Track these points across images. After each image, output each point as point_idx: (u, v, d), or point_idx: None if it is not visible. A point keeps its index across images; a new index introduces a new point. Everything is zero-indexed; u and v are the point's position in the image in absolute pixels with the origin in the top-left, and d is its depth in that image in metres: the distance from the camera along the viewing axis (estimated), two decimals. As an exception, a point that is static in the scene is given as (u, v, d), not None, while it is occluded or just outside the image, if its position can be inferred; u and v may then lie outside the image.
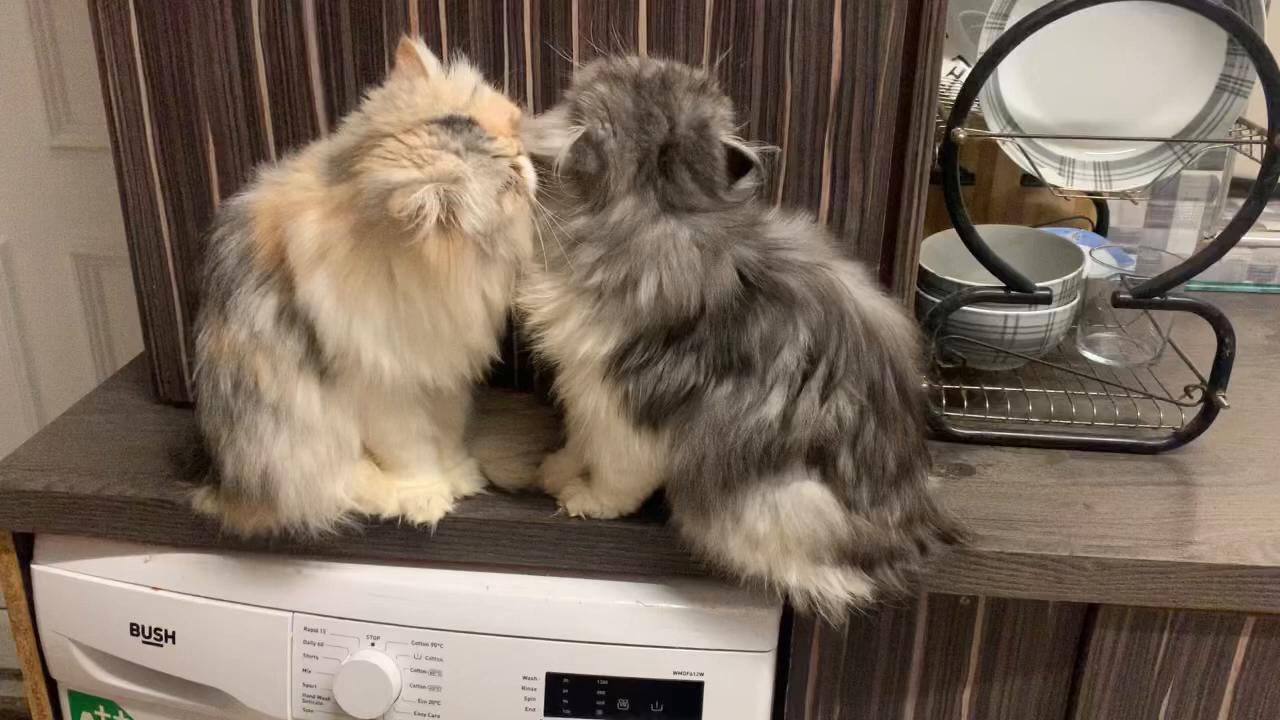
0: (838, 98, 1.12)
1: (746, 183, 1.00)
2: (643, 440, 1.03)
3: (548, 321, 1.00)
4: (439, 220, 0.91)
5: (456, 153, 0.93)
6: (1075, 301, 1.32)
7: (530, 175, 0.97)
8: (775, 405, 0.99)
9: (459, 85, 1.00)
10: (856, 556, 1.03)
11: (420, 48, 1.00)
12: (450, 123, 0.94)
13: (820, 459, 1.02)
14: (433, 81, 0.99)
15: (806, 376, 1.00)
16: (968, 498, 1.19)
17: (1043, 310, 1.27)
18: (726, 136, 0.99)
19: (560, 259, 0.97)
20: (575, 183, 0.97)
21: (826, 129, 1.14)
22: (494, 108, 0.99)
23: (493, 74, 1.15)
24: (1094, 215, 1.70)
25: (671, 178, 0.96)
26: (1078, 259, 1.34)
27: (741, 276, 0.98)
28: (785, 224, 1.05)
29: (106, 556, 1.19)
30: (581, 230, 0.97)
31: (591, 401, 1.02)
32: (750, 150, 0.99)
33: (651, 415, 1.01)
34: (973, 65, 1.12)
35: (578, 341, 0.98)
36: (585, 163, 0.95)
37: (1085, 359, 1.43)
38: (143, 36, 1.18)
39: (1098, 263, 1.44)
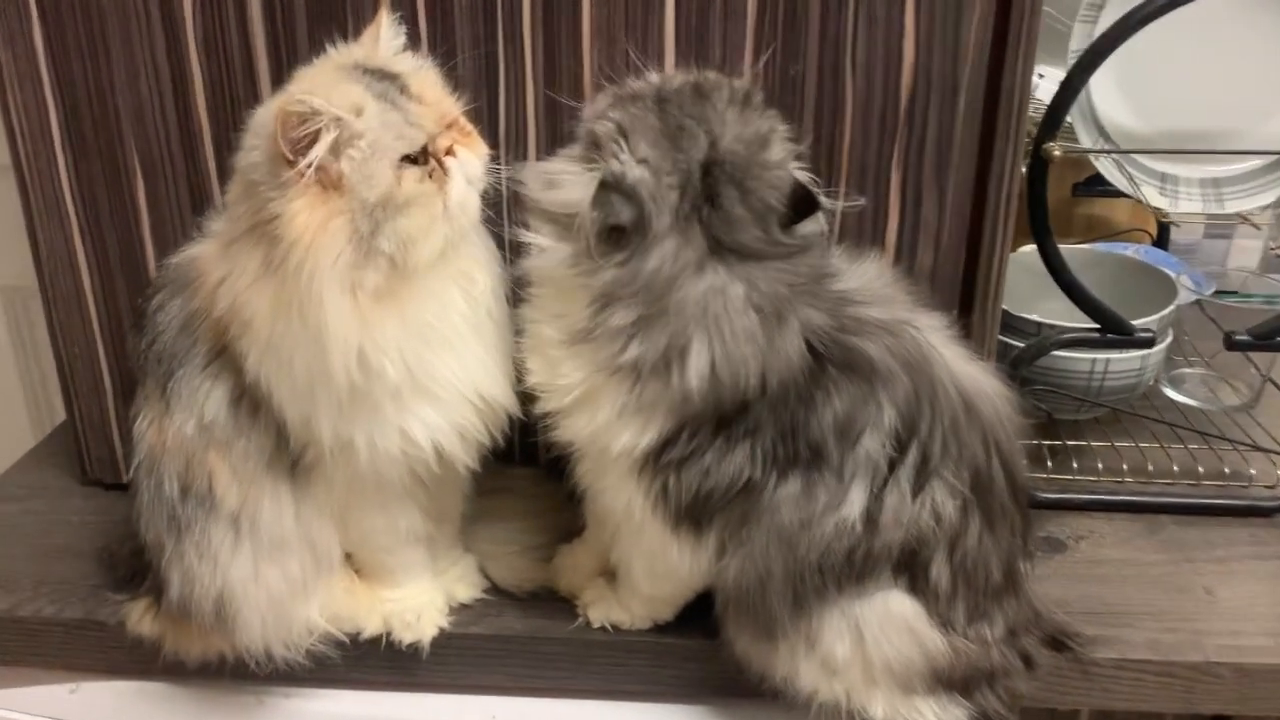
0: (909, 109, 0.92)
1: (808, 227, 0.79)
2: (683, 544, 0.84)
3: (570, 408, 0.79)
4: (320, 169, 0.75)
5: (369, 89, 0.77)
6: (1169, 340, 1.14)
7: (459, 183, 0.79)
8: (856, 503, 0.79)
9: (406, 58, 0.82)
10: (954, 681, 0.84)
11: (388, 22, 0.82)
12: (374, 71, 0.79)
13: (909, 565, 0.82)
14: (380, 47, 0.81)
15: (894, 465, 0.80)
16: (1064, 583, 1.00)
17: (1136, 352, 1.08)
18: (793, 165, 0.78)
19: (586, 329, 0.76)
20: (613, 242, 0.75)
21: (895, 146, 0.94)
22: (434, 94, 0.81)
23: (483, 87, 0.94)
24: (1153, 228, 1.52)
25: (718, 204, 0.75)
26: (1169, 289, 1.16)
27: (808, 345, 0.77)
28: (854, 270, 0.85)
29: (23, 686, 1.01)
30: (610, 285, 0.75)
31: (622, 498, 0.82)
32: (818, 192, 0.78)
33: (695, 515, 0.82)
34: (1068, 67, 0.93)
35: (611, 434, 0.78)
36: (617, 214, 0.74)
37: (1167, 399, 1.24)
38: (49, 45, 0.96)
39: (1181, 288, 1.25)
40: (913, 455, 0.80)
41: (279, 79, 0.95)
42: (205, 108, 0.97)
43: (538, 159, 0.94)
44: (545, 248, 0.78)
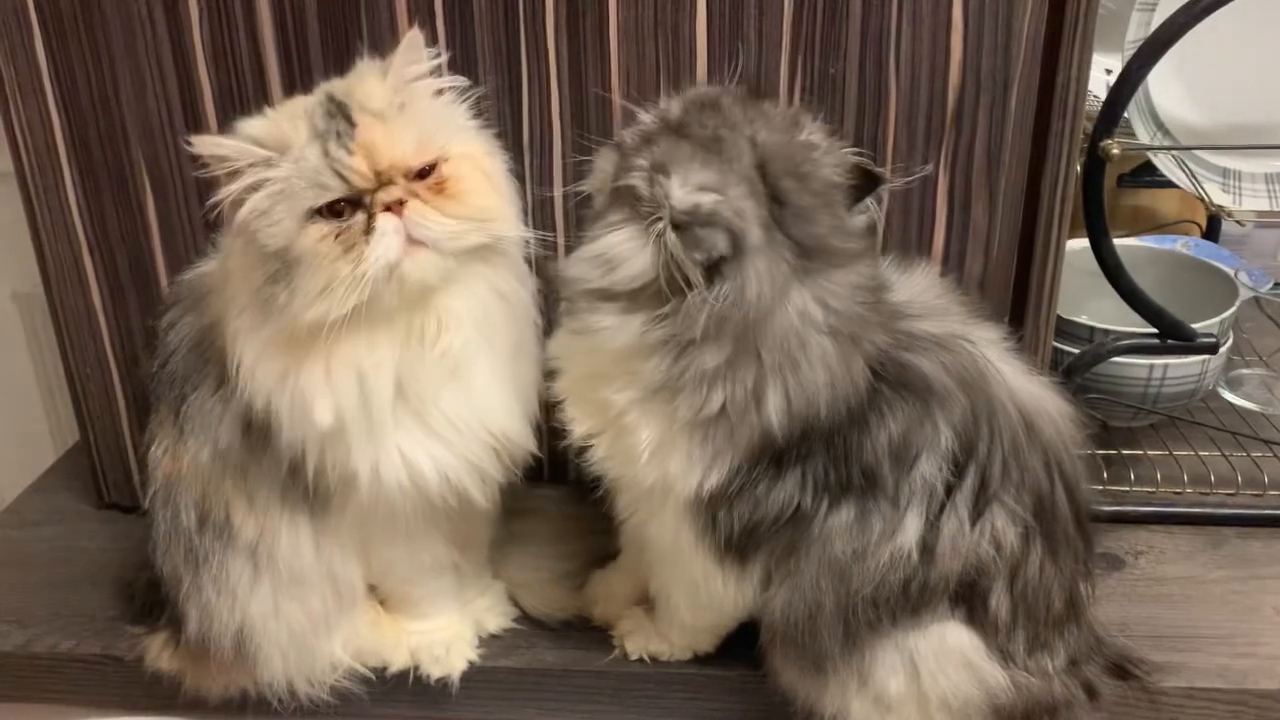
0: (957, 108, 0.87)
1: (868, 205, 0.74)
2: (728, 574, 0.79)
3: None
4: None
5: (312, 128, 0.72)
6: (1230, 343, 1.08)
7: (383, 247, 0.71)
8: (912, 531, 0.75)
9: (415, 88, 0.75)
10: (1014, 717, 0.79)
11: (409, 42, 0.74)
12: (337, 105, 0.73)
13: (967, 596, 0.78)
14: (394, 66, 0.74)
15: (951, 490, 0.75)
16: (1124, 604, 0.95)
17: (1196, 357, 1.02)
18: (837, 144, 0.73)
19: (666, 381, 0.70)
20: (708, 279, 0.68)
21: (942, 148, 0.89)
22: (393, 140, 0.72)
23: (506, 93, 0.89)
24: (1202, 219, 1.46)
25: (785, 200, 0.69)
26: (1227, 287, 1.10)
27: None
28: (904, 281, 0.80)
29: None
30: (705, 326, 0.67)
31: (669, 530, 0.78)
32: (874, 167, 0.73)
33: (741, 545, 0.77)
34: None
35: (679, 479, 0.73)
36: (713, 245, 0.66)
37: (1224, 402, 1.18)
38: (52, 59, 0.92)
39: (1239, 285, 1.19)
40: (971, 480, 0.75)
41: (291, 86, 0.91)
42: (215, 117, 0.92)
43: (569, 249, 0.86)
44: (611, 325, 0.70)
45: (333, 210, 0.71)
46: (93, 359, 1.03)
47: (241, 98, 0.92)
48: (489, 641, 0.91)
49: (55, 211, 0.97)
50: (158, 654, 0.90)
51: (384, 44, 0.87)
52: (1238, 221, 1.02)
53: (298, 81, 0.90)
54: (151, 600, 0.93)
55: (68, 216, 0.97)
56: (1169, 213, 1.47)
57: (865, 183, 0.73)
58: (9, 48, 0.91)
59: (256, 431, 0.79)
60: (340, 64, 0.88)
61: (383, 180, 0.71)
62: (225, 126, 0.91)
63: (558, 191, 0.92)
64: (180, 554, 0.84)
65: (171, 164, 0.94)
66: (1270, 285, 1.25)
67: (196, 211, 0.96)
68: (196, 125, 0.93)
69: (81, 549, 1.05)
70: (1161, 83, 0.98)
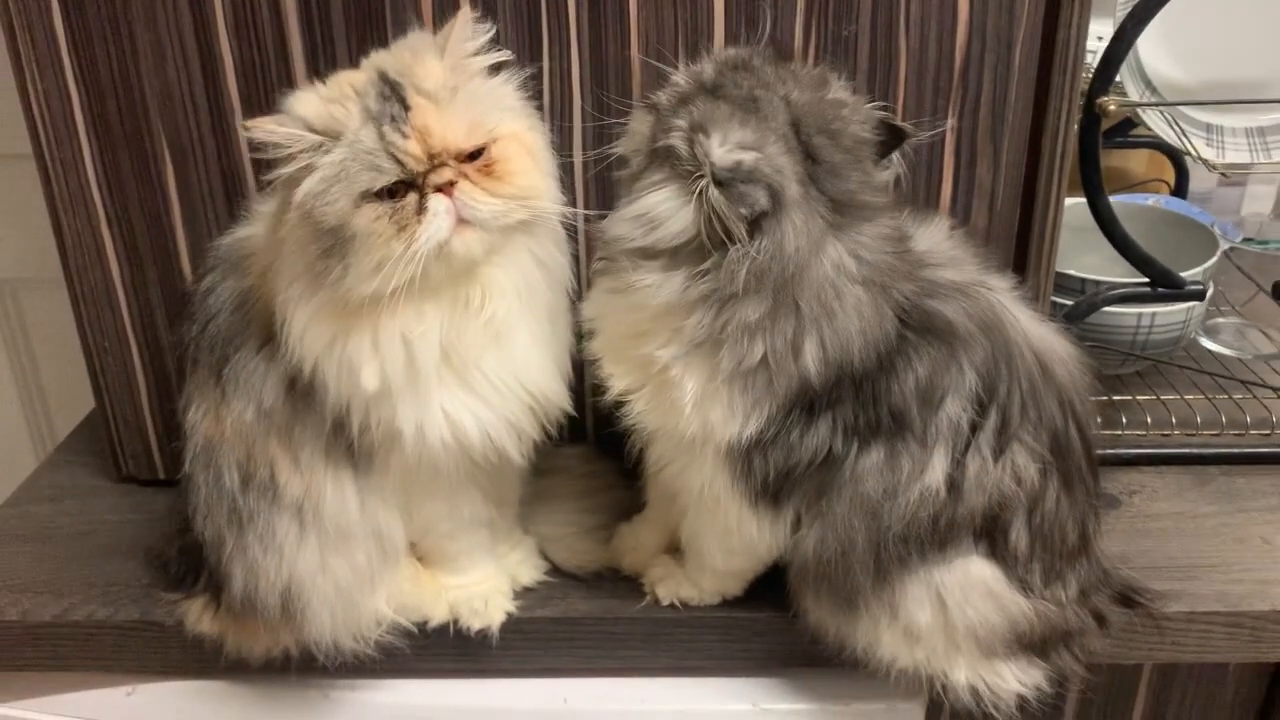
0: (963, 67, 0.91)
1: (893, 161, 0.77)
2: (761, 518, 0.82)
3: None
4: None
5: (365, 110, 0.73)
6: (1211, 291, 1.13)
7: (434, 227, 0.73)
8: (939, 469, 0.79)
9: (470, 64, 0.77)
10: (1033, 644, 0.84)
11: (464, 20, 0.76)
12: (390, 84, 0.74)
13: (989, 530, 0.82)
14: (451, 44, 0.75)
15: (975, 428, 0.79)
16: (1124, 539, 1.00)
17: (1181, 305, 1.08)
18: (865, 105, 0.76)
19: (710, 334, 0.73)
20: (749, 233, 0.71)
21: (950, 105, 0.92)
22: (446, 123, 0.74)
23: (526, 59, 0.91)
24: (1170, 177, 1.52)
25: (817, 158, 0.72)
26: (1209, 241, 1.15)
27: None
28: (923, 232, 0.84)
29: (79, 690, 0.98)
30: (745, 280, 0.70)
31: (704, 478, 0.81)
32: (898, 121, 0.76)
33: (775, 490, 0.80)
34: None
35: (720, 428, 0.76)
36: (755, 200, 0.69)
37: (1202, 349, 1.24)
38: (71, 31, 0.92)
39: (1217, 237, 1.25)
40: (993, 419, 0.79)
41: (313, 58, 0.92)
42: (237, 89, 0.93)
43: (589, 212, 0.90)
44: (653, 283, 0.73)
45: (387, 191, 0.73)
46: (111, 332, 1.03)
47: (263, 69, 0.92)
48: (524, 594, 0.94)
49: (74, 186, 0.97)
50: (197, 618, 0.91)
51: (406, 13, 0.89)
52: (1222, 174, 1.07)
53: (320, 52, 0.91)
54: (187, 567, 0.94)
55: (86, 190, 0.98)
56: (1139, 172, 1.53)
57: (890, 138, 0.76)
58: (26, 21, 0.91)
59: (301, 390, 0.81)
60: (363, 33, 0.90)
61: (435, 162, 0.73)
62: (246, 99, 0.94)
63: (578, 156, 0.94)
64: (223, 515, 0.85)
65: (192, 136, 0.95)
66: (1240, 238, 1.31)
67: (217, 184, 0.97)
68: (217, 97, 0.93)
69: (104, 521, 1.06)
70: (1149, 42, 1.02)
